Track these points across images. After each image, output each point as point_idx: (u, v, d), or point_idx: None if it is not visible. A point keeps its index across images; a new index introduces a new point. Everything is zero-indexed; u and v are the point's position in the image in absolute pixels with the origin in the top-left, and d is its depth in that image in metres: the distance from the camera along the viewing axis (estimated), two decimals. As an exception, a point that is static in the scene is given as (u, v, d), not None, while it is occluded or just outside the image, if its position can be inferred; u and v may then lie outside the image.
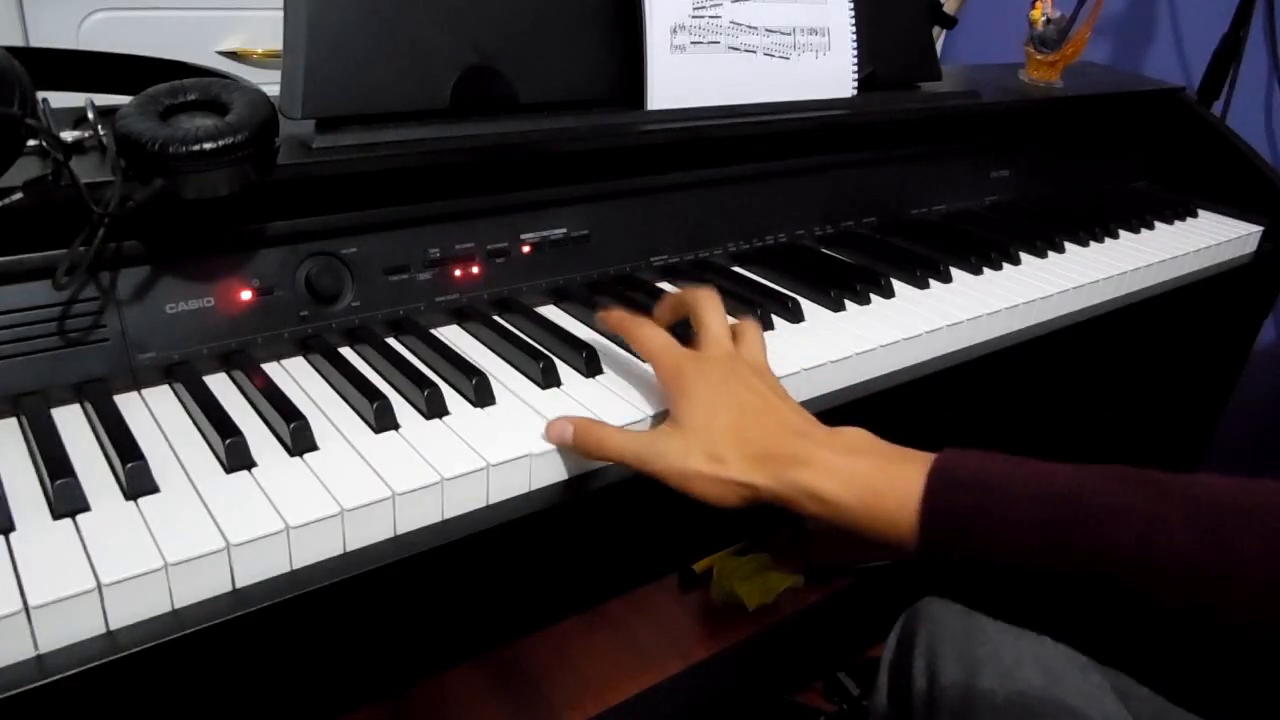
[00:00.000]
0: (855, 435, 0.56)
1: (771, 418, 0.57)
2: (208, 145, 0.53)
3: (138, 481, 0.49)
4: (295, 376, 0.63)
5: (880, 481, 0.52)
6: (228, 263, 0.61)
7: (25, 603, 0.42)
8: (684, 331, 0.65)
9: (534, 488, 0.57)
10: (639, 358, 0.68)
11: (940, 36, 1.31)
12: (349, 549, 0.50)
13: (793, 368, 0.68)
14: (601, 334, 0.71)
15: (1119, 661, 0.53)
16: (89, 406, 0.56)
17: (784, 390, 0.61)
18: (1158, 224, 1.12)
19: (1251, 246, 1.15)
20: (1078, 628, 0.53)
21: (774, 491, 0.54)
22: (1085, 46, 1.17)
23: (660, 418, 0.61)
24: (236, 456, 0.52)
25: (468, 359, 0.65)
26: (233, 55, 1.27)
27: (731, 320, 0.65)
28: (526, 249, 0.74)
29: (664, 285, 0.82)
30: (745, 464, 0.54)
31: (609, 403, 0.62)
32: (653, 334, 0.63)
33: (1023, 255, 0.95)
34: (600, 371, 0.66)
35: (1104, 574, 0.45)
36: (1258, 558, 0.42)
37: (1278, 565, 0.42)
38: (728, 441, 0.55)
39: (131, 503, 0.49)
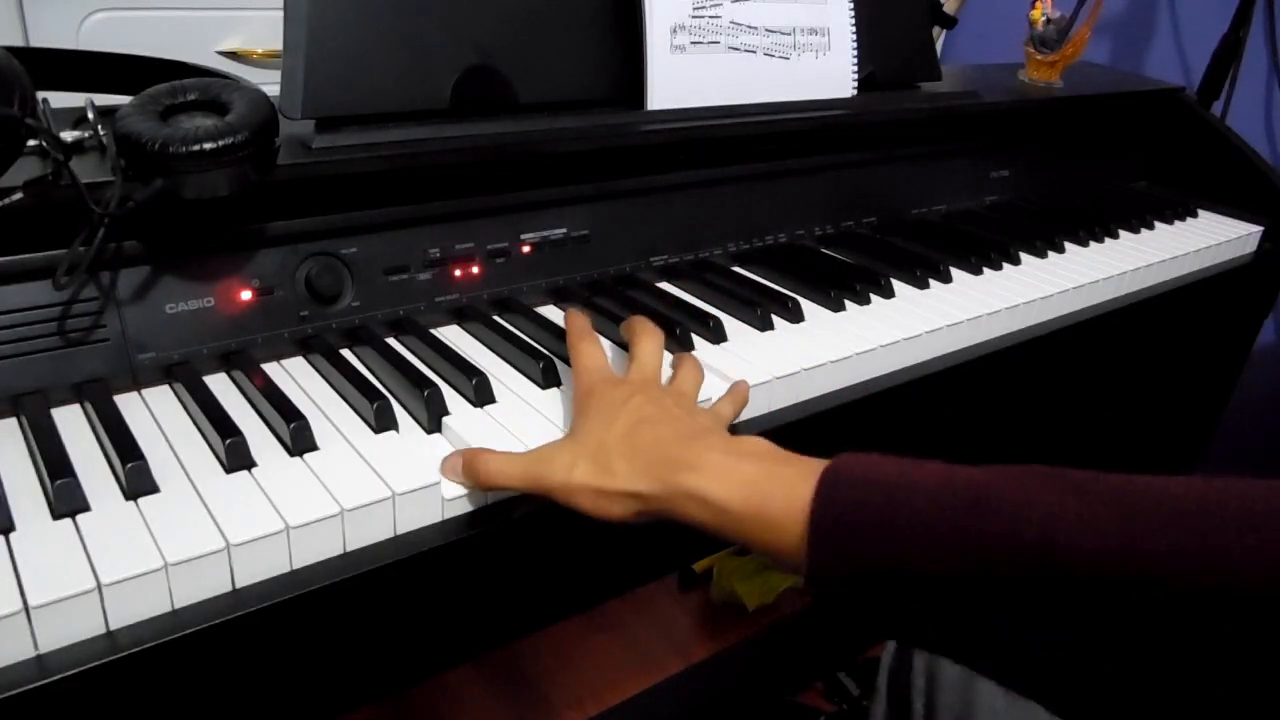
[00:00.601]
0: (754, 442, 0.53)
1: (668, 427, 0.54)
2: (208, 145, 0.53)
3: (138, 481, 0.49)
4: (295, 376, 0.63)
5: (768, 484, 0.48)
6: (228, 263, 0.61)
7: (25, 603, 0.42)
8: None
9: (534, 488, 0.57)
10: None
11: (940, 36, 1.31)
12: (349, 549, 0.50)
13: (792, 368, 0.68)
14: (600, 334, 0.71)
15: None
16: (89, 406, 0.56)
17: (700, 411, 0.59)
18: (1158, 224, 1.12)
19: (1251, 246, 1.15)
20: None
21: (659, 499, 0.51)
22: (1085, 46, 1.17)
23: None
24: (236, 456, 0.52)
25: (468, 359, 0.65)
26: (233, 55, 1.27)
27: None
28: (526, 249, 0.74)
29: (664, 285, 0.82)
30: (632, 473, 0.51)
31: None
32: (589, 352, 0.61)
33: (1023, 255, 0.95)
34: (600, 371, 0.66)
35: (1006, 571, 0.41)
36: (1167, 553, 0.39)
37: (1188, 564, 0.38)
38: (617, 450, 0.52)
39: (131, 503, 0.49)
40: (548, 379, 0.64)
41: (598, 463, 0.52)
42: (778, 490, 0.47)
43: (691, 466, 0.50)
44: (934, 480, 0.44)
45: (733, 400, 0.63)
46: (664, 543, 0.67)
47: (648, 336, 0.63)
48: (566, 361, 0.66)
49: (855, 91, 0.91)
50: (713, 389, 0.64)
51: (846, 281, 0.81)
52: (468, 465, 0.53)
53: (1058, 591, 0.40)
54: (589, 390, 0.58)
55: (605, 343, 0.70)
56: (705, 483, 0.49)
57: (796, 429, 0.67)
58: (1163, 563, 0.39)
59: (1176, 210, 1.16)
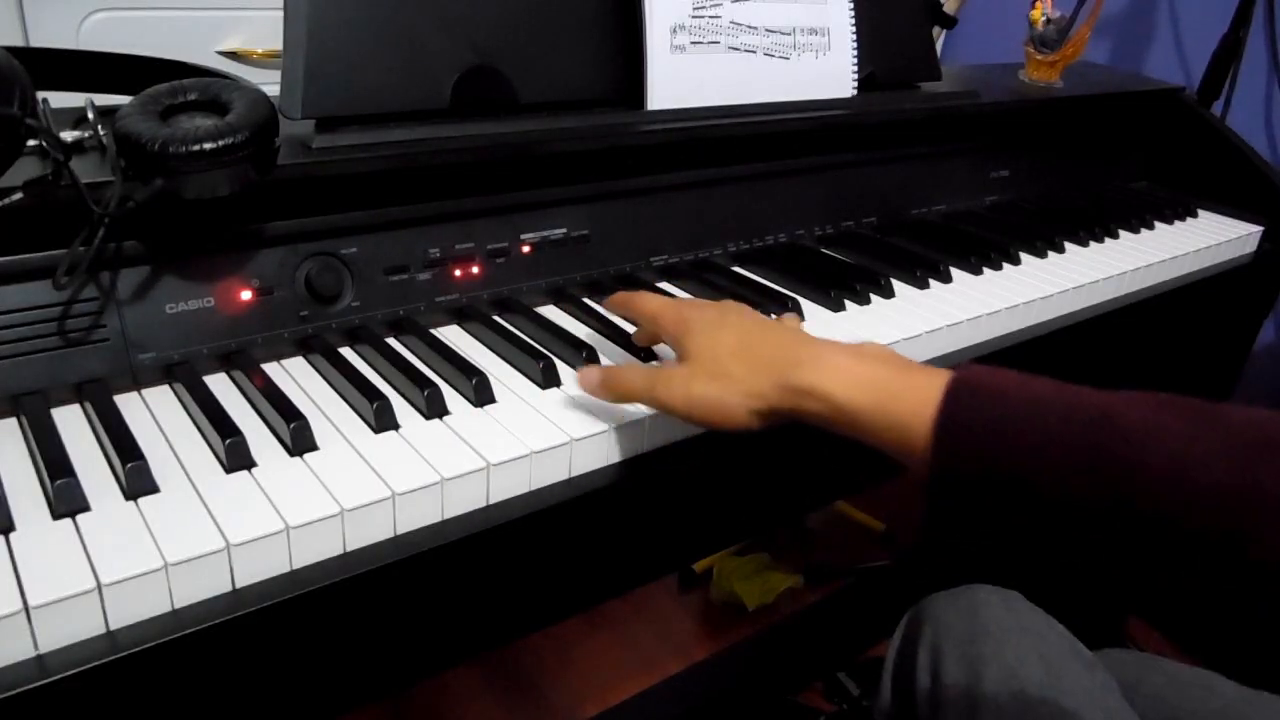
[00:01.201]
0: (875, 346, 0.53)
1: (778, 334, 0.55)
2: (208, 145, 0.53)
3: (138, 481, 0.49)
4: (295, 376, 0.63)
5: (896, 385, 0.48)
6: (228, 263, 0.61)
7: (25, 603, 0.42)
8: None
9: (534, 487, 0.57)
10: (640, 357, 0.68)
11: (940, 36, 1.31)
12: (349, 549, 0.50)
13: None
14: (601, 334, 0.71)
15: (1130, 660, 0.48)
16: (89, 406, 0.56)
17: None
18: (1158, 224, 1.12)
19: (1251, 246, 1.15)
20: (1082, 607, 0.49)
21: (782, 398, 0.51)
22: (1085, 46, 1.17)
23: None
24: (236, 456, 0.52)
25: (468, 359, 0.65)
26: (233, 55, 1.27)
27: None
28: (526, 249, 0.74)
29: (664, 285, 0.82)
30: (752, 375, 0.52)
31: (609, 402, 0.62)
32: (651, 297, 0.63)
33: (1023, 255, 0.95)
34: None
35: (1131, 500, 0.41)
36: None
37: None
38: (734, 359, 0.53)
39: (131, 503, 0.49)
40: (548, 379, 0.64)
41: (714, 373, 0.53)
42: (905, 391, 0.48)
43: (814, 364, 0.51)
44: (1063, 400, 0.44)
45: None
46: (664, 543, 0.67)
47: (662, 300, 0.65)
48: (566, 361, 0.66)
49: (855, 91, 0.91)
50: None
51: (846, 281, 0.81)
52: (606, 375, 0.58)
53: (1183, 519, 0.40)
54: (678, 317, 0.59)
55: (605, 343, 0.70)
56: (829, 380, 0.50)
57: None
58: None
59: (1176, 210, 1.16)
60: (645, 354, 0.68)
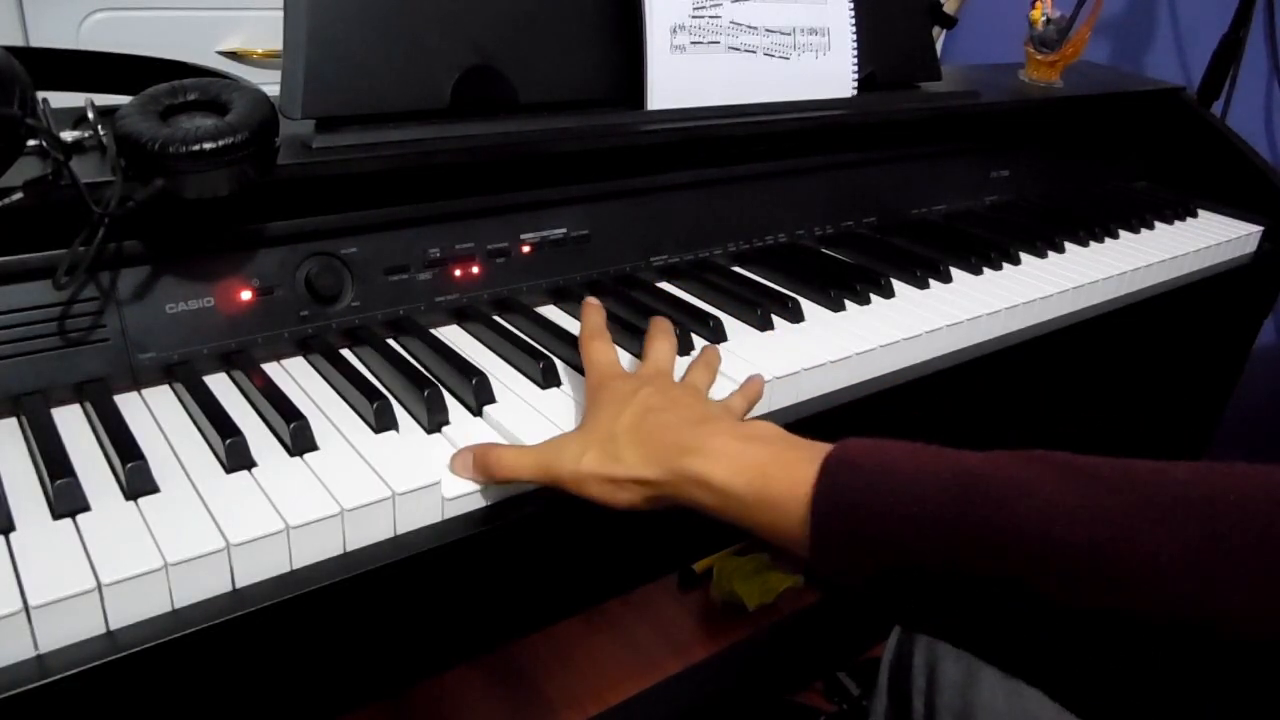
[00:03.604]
0: (763, 427, 0.53)
1: (675, 414, 0.54)
2: (208, 145, 0.53)
3: (138, 481, 0.49)
4: (295, 376, 0.63)
5: (773, 466, 0.48)
6: (228, 263, 0.61)
7: (25, 603, 0.42)
8: None
9: (533, 487, 0.57)
10: (639, 356, 0.68)
11: (940, 36, 1.31)
12: (349, 549, 0.50)
13: (792, 368, 0.68)
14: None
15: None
16: (89, 406, 0.56)
17: (710, 401, 0.59)
18: (1158, 224, 1.12)
19: (1251, 246, 1.15)
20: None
21: (666, 484, 0.51)
22: (1085, 46, 1.17)
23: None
24: (236, 456, 0.52)
25: (468, 359, 0.65)
26: (233, 55, 1.27)
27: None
28: (526, 249, 0.74)
29: (664, 285, 0.82)
30: (639, 459, 0.52)
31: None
32: (601, 349, 0.62)
33: (1023, 255, 0.95)
34: (600, 371, 0.66)
35: (1002, 561, 0.40)
36: (1167, 544, 0.37)
37: (1190, 555, 0.37)
38: (625, 439, 0.53)
39: (131, 503, 0.49)
40: (548, 379, 0.64)
41: (606, 451, 0.52)
42: (781, 474, 0.47)
43: (697, 451, 0.50)
44: (936, 466, 0.44)
45: (745, 395, 0.63)
46: (664, 543, 0.67)
47: (662, 335, 0.64)
48: (566, 361, 0.66)
49: (855, 91, 0.91)
50: (716, 389, 0.64)
51: (846, 281, 0.81)
52: (479, 460, 0.54)
53: (1054, 589, 0.39)
54: (599, 384, 0.58)
55: (615, 348, 0.70)
56: (710, 467, 0.49)
57: (796, 429, 0.66)
58: (1164, 554, 0.37)
59: (1176, 210, 1.16)
60: None
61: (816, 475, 0.46)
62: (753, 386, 0.64)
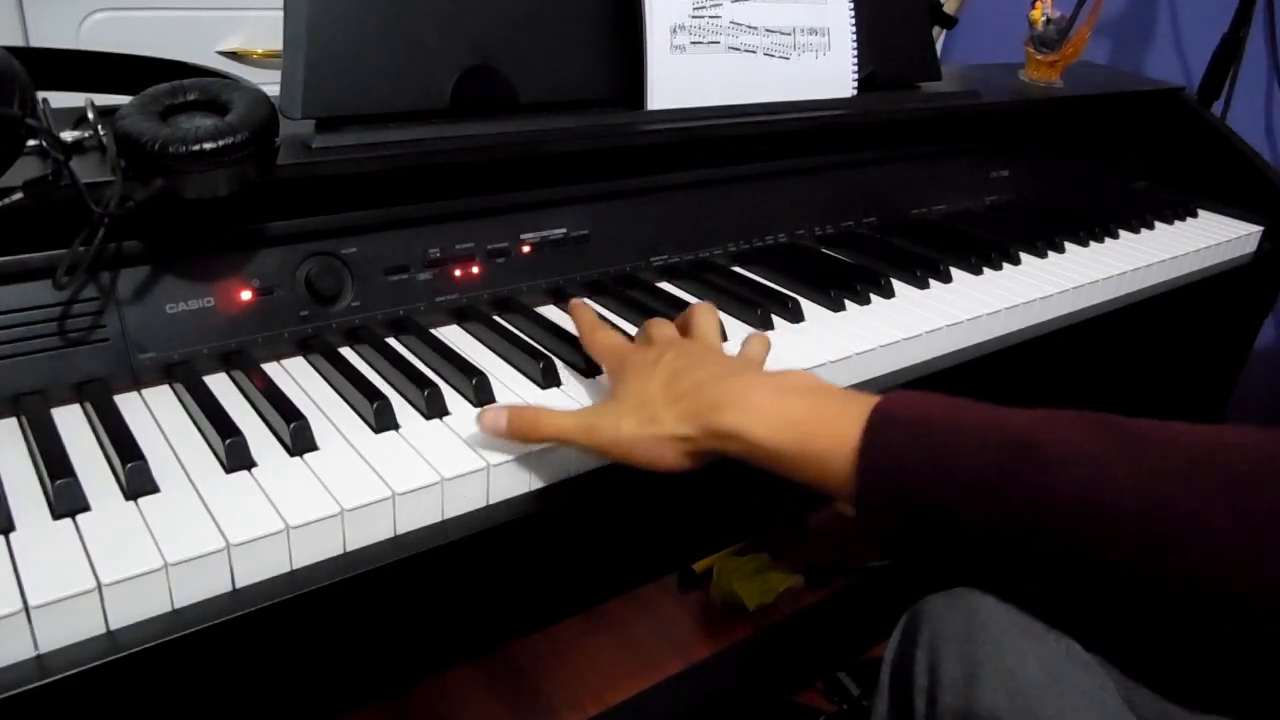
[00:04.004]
0: (797, 376, 0.53)
1: (705, 370, 0.54)
2: (208, 145, 0.53)
3: (138, 481, 0.49)
4: (295, 376, 0.63)
5: (815, 421, 0.48)
6: (228, 263, 0.61)
7: (25, 603, 0.42)
8: None
9: (534, 487, 0.57)
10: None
11: (940, 36, 1.31)
12: (349, 549, 0.50)
13: (792, 368, 0.68)
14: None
15: (1123, 662, 0.49)
16: (89, 406, 0.56)
17: (730, 357, 0.59)
18: (1158, 224, 1.12)
19: (1251, 246, 1.15)
20: (1080, 623, 0.49)
21: (706, 440, 0.51)
22: (1085, 46, 1.17)
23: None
24: (236, 456, 0.52)
25: (468, 359, 0.65)
26: (233, 55, 1.27)
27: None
28: (526, 249, 0.74)
29: (664, 285, 0.82)
30: (677, 419, 0.52)
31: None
32: (605, 336, 0.63)
33: (1023, 255, 0.95)
34: (600, 371, 0.66)
35: (1047, 526, 0.41)
36: (1220, 511, 0.37)
37: (1241, 524, 0.37)
38: (659, 401, 0.53)
39: (131, 503, 0.49)
40: (548, 379, 0.64)
41: (642, 415, 0.53)
42: (824, 430, 0.48)
43: (732, 405, 0.51)
44: (982, 424, 0.44)
45: (760, 342, 0.64)
46: (664, 543, 0.67)
47: (705, 313, 0.65)
48: (566, 361, 0.66)
49: (855, 91, 0.91)
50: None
51: (846, 281, 0.81)
52: (519, 417, 0.55)
53: (1099, 545, 0.39)
54: (620, 362, 0.59)
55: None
56: (749, 422, 0.50)
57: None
58: (1214, 524, 0.37)
59: (1176, 210, 1.16)
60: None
61: (861, 433, 0.46)
62: (760, 338, 0.65)
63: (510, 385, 0.64)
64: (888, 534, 0.46)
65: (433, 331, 0.69)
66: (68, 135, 0.58)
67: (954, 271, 0.89)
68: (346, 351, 0.65)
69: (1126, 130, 1.26)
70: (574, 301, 0.68)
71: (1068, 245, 1.00)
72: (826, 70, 0.89)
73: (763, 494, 0.71)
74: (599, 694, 1.22)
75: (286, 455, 0.54)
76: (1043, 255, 0.97)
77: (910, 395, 0.47)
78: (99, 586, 0.43)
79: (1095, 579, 0.41)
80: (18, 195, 0.52)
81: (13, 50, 0.53)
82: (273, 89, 0.63)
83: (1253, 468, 0.39)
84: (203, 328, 0.61)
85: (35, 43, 1.14)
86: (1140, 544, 0.39)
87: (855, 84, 0.91)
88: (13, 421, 0.55)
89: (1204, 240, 1.07)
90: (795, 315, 0.77)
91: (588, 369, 0.65)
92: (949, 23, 1.12)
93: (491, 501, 0.55)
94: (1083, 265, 0.95)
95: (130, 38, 1.19)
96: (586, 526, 0.60)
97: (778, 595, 1.41)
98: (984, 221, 1.05)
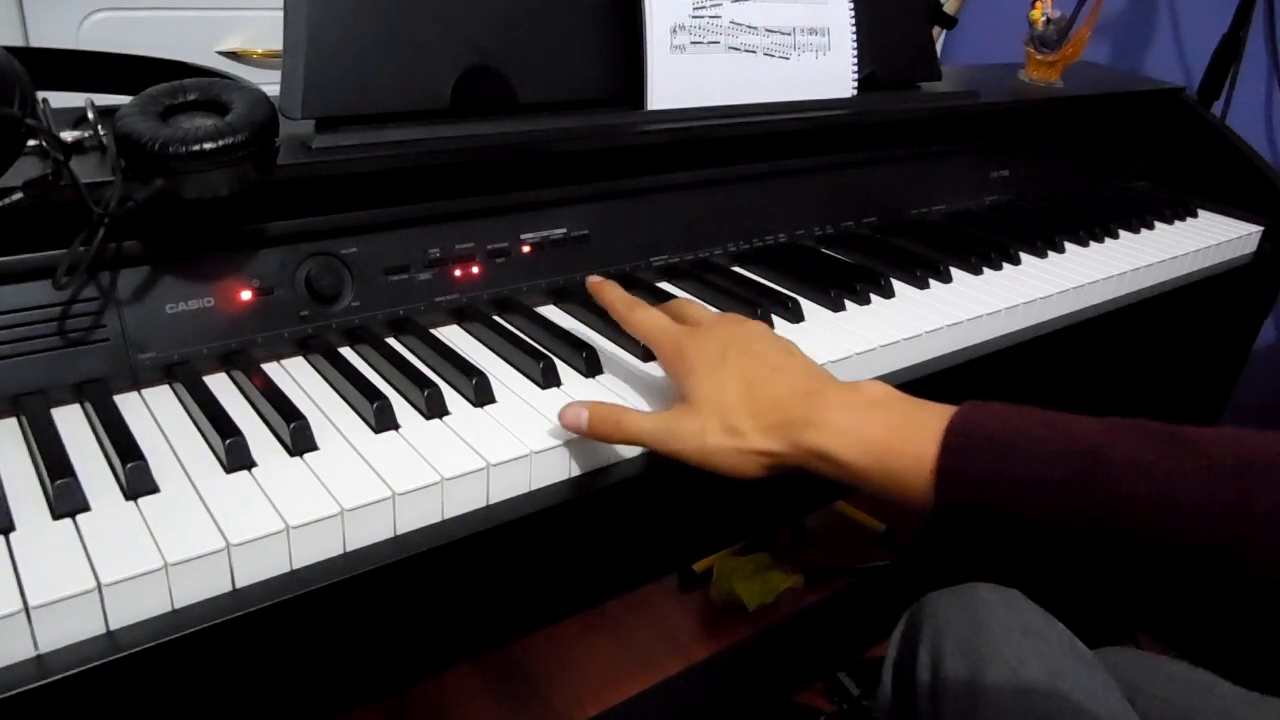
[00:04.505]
0: (872, 390, 0.55)
1: (780, 383, 0.56)
2: (208, 145, 0.53)
3: (138, 481, 0.49)
4: (295, 376, 0.63)
5: (894, 441, 0.50)
6: (228, 263, 0.61)
7: (25, 603, 0.42)
8: None
9: (534, 488, 0.57)
10: (638, 356, 0.68)
11: (940, 36, 1.31)
12: (349, 549, 0.50)
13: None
14: (601, 334, 0.71)
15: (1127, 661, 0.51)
16: (89, 406, 0.56)
17: (788, 344, 0.60)
18: (1158, 224, 1.12)
19: (1251, 246, 1.15)
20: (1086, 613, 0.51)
21: (790, 456, 0.53)
22: (1085, 46, 1.17)
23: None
24: (236, 456, 0.52)
25: (468, 359, 0.65)
26: (233, 55, 1.27)
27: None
28: (526, 249, 0.74)
29: (664, 285, 0.82)
30: (761, 433, 0.54)
31: (609, 402, 0.62)
32: (646, 316, 0.63)
33: (1023, 255, 0.95)
34: (600, 371, 0.66)
35: (1123, 533, 0.43)
36: (1273, 513, 0.40)
37: None
38: (741, 413, 0.54)
39: (131, 503, 0.49)
40: (548, 379, 0.64)
41: (724, 425, 0.54)
42: (903, 448, 0.50)
43: (815, 425, 0.52)
44: (1055, 435, 0.46)
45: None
46: (664, 543, 0.67)
47: (689, 303, 0.66)
48: (566, 361, 0.66)
49: (855, 91, 0.91)
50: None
51: (846, 281, 0.81)
52: (598, 416, 0.56)
53: (1168, 546, 0.42)
54: (676, 349, 0.59)
55: (605, 343, 0.70)
56: (832, 442, 0.52)
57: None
58: (1270, 521, 0.40)
59: (1176, 210, 1.16)
60: (646, 353, 0.68)
61: (938, 453, 0.48)
62: None
63: (510, 385, 0.64)
64: (961, 538, 0.49)
65: (433, 331, 0.69)
66: (68, 135, 0.58)
67: (954, 271, 0.89)
68: (346, 351, 0.65)
69: (1126, 130, 1.27)
70: (593, 279, 0.67)
71: (1068, 245, 1.00)
72: (826, 70, 0.89)
73: (762, 495, 0.71)
74: (599, 694, 1.22)
75: (286, 455, 0.54)
76: (1043, 255, 0.97)
77: (981, 411, 0.50)
78: (99, 586, 0.43)
79: (1169, 575, 0.43)
80: (18, 195, 0.52)
81: (13, 50, 0.53)
82: (273, 89, 0.63)
83: None
84: (203, 328, 0.61)
85: (35, 43, 1.14)
86: (1210, 543, 0.41)
87: (855, 84, 0.91)
88: (13, 421, 0.55)
89: (1204, 240, 1.07)
90: (795, 315, 0.77)
91: (587, 370, 0.65)
92: (949, 23, 1.12)
93: (491, 501, 0.55)
94: (1083, 265, 0.95)
95: (130, 38, 1.19)
96: (586, 526, 0.60)
97: (778, 595, 1.41)
98: (984, 221, 1.05)
